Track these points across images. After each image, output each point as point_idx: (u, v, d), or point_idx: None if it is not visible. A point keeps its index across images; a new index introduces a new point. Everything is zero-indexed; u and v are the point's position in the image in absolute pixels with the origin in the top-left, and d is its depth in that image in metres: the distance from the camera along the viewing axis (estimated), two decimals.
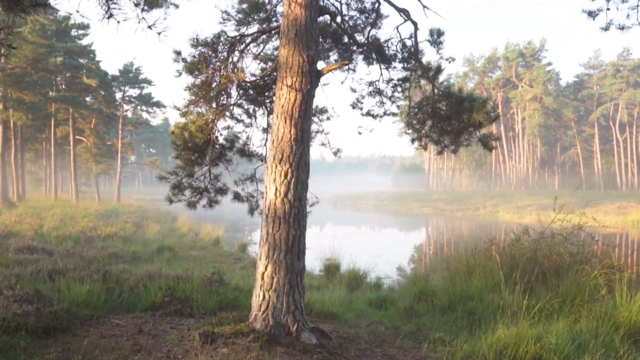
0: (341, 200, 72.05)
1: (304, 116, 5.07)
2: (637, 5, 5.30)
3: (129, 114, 50.07)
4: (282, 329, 4.86)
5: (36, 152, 50.39)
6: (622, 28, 5.40)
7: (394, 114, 8.30)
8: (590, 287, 6.40)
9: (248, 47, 6.51)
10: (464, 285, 7.17)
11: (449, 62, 7.00)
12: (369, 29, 7.56)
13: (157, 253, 13.80)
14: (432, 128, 7.29)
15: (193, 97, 6.30)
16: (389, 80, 7.75)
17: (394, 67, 7.58)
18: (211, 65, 6.22)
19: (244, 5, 7.00)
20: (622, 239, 24.72)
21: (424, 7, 6.58)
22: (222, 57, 6.29)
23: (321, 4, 5.83)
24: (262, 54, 7.34)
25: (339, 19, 7.30)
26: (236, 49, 6.33)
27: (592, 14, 5.46)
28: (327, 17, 7.27)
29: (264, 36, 6.81)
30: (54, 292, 6.12)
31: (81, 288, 6.24)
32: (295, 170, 4.98)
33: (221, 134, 6.73)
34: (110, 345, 4.56)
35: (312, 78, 5.11)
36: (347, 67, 7.89)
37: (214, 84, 6.23)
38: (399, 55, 7.39)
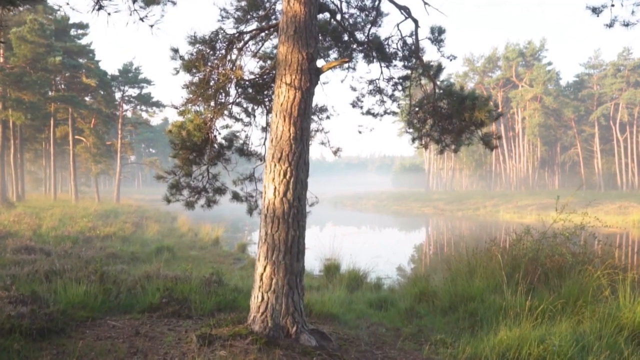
0: (341, 200, 71.97)
1: (304, 114, 4.99)
2: None
3: (129, 114, 49.97)
4: (281, 330, 4.78)
5: (36, 152, 50.29)
6: (626, 25, 5.31)
7: (394, 113, 8.22)
8: (594, 288, 6.32)
9: (247, 45, 6.43)
10: (465, 286, 7.10)
11: (450, 60, 6.93)
12: (369, 26, 7.48)
13: (156, 253, 13.73)
14: (433, 127, 7.21)
15: (191, 96, 6.22)
16: (390, 79, 7.67)
17: (395, 66, 7.50)
18: (209, 63, 6.14)
19: (243, 3, 6.92)
20: (623, 239, 24.65)
21: (425, 3, 6.49)
22: (220, 55, 6.21)
23: (321, 1, 5.75)
24: (261, 52, 7.27)
25: (338, 17, 7.21)
26: (234, 46, 6.25)
27: (596, 11, 5.37)
28: (327, 14, 7.19)
29: (263, 34, 6.72)
30: (50, 293, 6.04)
31: (78, 289, 6.16)
32: (294, 169, 4.90)
33: (219, 133, 6.65)
34: (106, 348, 4.48)
35: (311, 76, 5.03)
36: (347, 65, 7.81)
37: (212, 82, 6.15)
38: (400, 54, 7.31)
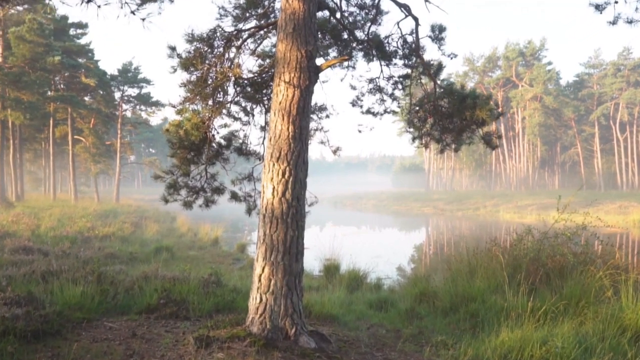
0: (341, 200, 71.92)
1: (303, 113, 4.92)
2: None
3: (128, 114, 49.89)
4: (279, 332, 4.71)
5: (35, 152, 50.21)
6: (630, 22, 5.24)
7: (394, 112, 8.14)
8: (596, 289, 6.26)
9: (245, 43, 6.36)
10: (466, 286, 7.03)
11: (451, 58, 6.86)
12: (369, 25, 7.41)
13: (154, 253, 13.65)
14: (433, 126, 7.15)
15: (188, 94, 6.15)
16: (390, 77, 7.60)
17: (395, 64, 7.43)
18: (207, 61, 6.07)
19: (242, 1, 6.84)
20: (624, 239, 24.59)
21: (426, 0, 6.42)
22: (218, 53, 6.14)
23: None
24: (260, 50, 7.20)
25: (338, 15, 7.14)
26: (232, 44, 6.18)
27: (599, 8, 5.30)
28: (327, 13, 7.12)
29: (262, 32, 6.65)
30: (46, 294, 5.96)
31: (74, 290, 6.09)
32: (293, 168, 4.83)
33: (218, 132, 6.58)
34: (102, 350, 4.41)
35: (310, 74, 4.96)
36: (347, 64, 7.74)
37: (209, 81, 6.07)
38: (400, 52, 7.24)
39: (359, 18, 7.59)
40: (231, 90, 6.51)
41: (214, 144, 6.51)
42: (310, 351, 4.52)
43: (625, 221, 32.26)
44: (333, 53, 7.80)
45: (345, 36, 7.43)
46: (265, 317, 4.72)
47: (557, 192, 45.12)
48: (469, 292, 6.79)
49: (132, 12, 5.09)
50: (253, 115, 7.11)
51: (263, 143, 7.08)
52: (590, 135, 66.27)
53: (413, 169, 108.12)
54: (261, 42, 6.85)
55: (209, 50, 6.15)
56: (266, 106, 6.95)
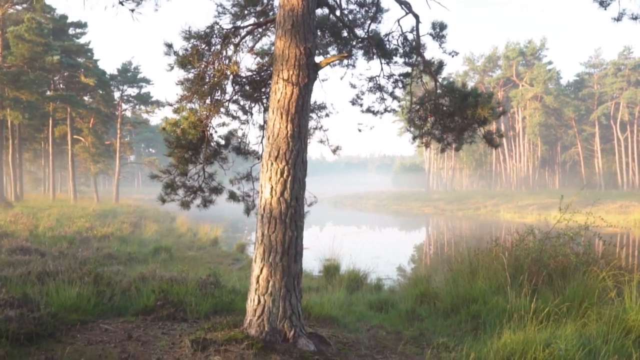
0: (341, 200, 71.82)
1: (301, 111, 4.83)
2: None
3: (128, 114, 49.78)
4: (278, 335, 4.62)
5: (35, 151, 50.11)
6: (635, 18, 5.15)
7: (394, 111, 8.05)
8: (599, 290, 6.17)
9: (244, 41, 6.27)
10: (467, 287, 6.95)
11: (452, 56, 6.77)
12: (369, 22, 7.32)
13: (153, 254, 13.57)
14: (434, 125, 7.05)
15: (186, 92, 6.06)
16: (390, 76, 7.50)
17: (395, 62, 7.33)
18: (204, 59, 5.98)
19: None
20: (624, 238, 24.50)
21: None
22: (215, 51, 6.04)
23: None
24: (258, 48, 7.11)
25: (338, 13, 7.05)
26: (230, 42, 6.09)
27: (603, 4, 5.21)
28: (326, 10, 7.03)
29: (260, 29, 6.56)
30: (41, 296, 5.87)
31: (70, 291, 6.01)
32: (292, 168, 4.75)
33: (216, 131, 6.49)
34: (96, 353, 4.32)
35: (309, 71, 4.87)
36: (346, 62, 7.64)
37: (207, 79, 5.98)
38: (400, 50, 7.15)
39: (358, 16, 7.51)
40: (229, 88, 6.42)
41: (212, 143, 6.42)
42: (309, 354, 4.43)
43: (626, 221, 32.17)
44: (333, 51, 7.71)
45: (345, 34, 7.34)
46: (263, 319, 4.64)
47: (557, 192, 45.04)
48: (470, 293, 6.70)
49: (121, 3, 5.00)
50: (252, 114, 7.03)
51: (262, 142, 6.99)
52: (591, 135, 66.17)
53: (413, 169, 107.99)
54: (259, 40, 6.76)
55: (207, 47, 6.06)
56: (265, 105, 6.86)
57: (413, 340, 5.52)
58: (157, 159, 53.72)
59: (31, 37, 30.35)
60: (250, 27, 6.32)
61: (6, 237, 13.60)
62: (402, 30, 7.00)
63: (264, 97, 6.82)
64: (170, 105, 6.08)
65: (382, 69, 7.45)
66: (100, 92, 40.74)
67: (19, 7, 35.25)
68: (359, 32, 7.44)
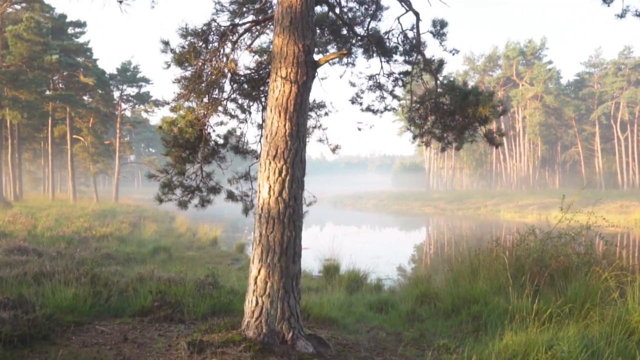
0: (341, 199, 71.73)
1: (300, 110, 4.75)
2: None
3: (128, 113, 49.68)
4: (276, 337, 4.55)
5: (34, 151, 50.02)
6: (639, 15, 5.08)
7: (394, 110, 7.97)
8: (601, 290, 6.09)
9: (242, 38, 6.19)
10: (468, 288, 6.88)
11: (453, 54, 6.70)
12: (368, 20, 7.25)
13: (152, 254, 13.49)
14: (434, 124, 6.98)
15: (183, 91, 5.98)
16: (390, 74, 7.43)
17: (395, 60, 7.26)
18: (201, 57, 5.90)
19: None
20: (626, 238, 24.43)
21: None
22: (212, 48, 5.97)
23: None
24: (257, 46, 7.03)
25: (337, 10, 6.98)
26: (228, 39, 6.01)
27: (607, 0, 5.14)
28: (325, 8, 6.96)
29: (258, 27, 6.48)
30: (37, 297, 5.80)
31: (66, 292, 5.94)
32: (290, 167, 4.67)
33: (214, 130, 6.41)
34: (91, 355, 4.25)
35: (308, 69, 4.79)
36: (346, 60, 7.57)
37: (204, 77, 5.90)
38: (400, 48, 7.07)
39: (358, 13, 7.43)
40: (227, 87, 6.35)
41: (210, 142, 6.34)
42: (308, 356, 4.36)
43: (626, 220, 32.09)
44: (332, 49, 7.63)
45: (345, 32, 7.27)
46: (261, 321, 4.56)
47: (557, 192, 44.96)
48: (471, 294, 6.63)
49: None
50: (250, 113, 6.95)
51: (260, 141, 6.91)
52: (591, 135, 66.09)
53: (413, 169, 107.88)
54: (257, 36, 6.67)
55: (204, 45, 5.99)
56: (263, 103, 6.78)
57: (413, 341, 5.44)
58: (156, 159, 53.63)
59: (30, 37, 30.26)
60: (248, 25, 6.24)
61: (4, 237, 13.52)
62: (402, 28, 6.94)
63: (262, 95, 6.74)
64: (167, 103, 6.01)
65: (382, 67, 7.38)
66: (100, 91, 40.63)
67: (17, 7, 35.16)
68: (359, 30, 7.37)
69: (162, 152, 6.22)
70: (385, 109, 7.73)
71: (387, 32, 7.13)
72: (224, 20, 6.41)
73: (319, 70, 5.13)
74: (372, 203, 64.64)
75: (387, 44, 7.13)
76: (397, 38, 7.06)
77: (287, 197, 4.65)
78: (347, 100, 7.93)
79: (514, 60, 67.62)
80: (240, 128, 6.87)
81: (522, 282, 6.48)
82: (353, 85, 7.85)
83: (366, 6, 7.43)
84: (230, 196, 6.74)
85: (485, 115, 5.95)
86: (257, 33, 6.61)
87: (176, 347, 4.52)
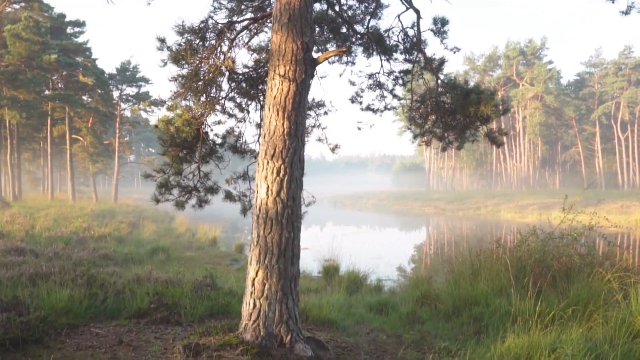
0: (341, 200, 71.64)
1: (299, 108, 4.66)
2: None
3: (127, 113, 49.57)
4: (274, 340, 4.46)
5: (34, 151, 49.92)
6: None
7: (395, 109, 7.88)
8: (605, 292, 6.00)
9: (240, 36, 6.10)
10: (470, 289, 6.79)
11: (454, 52, 6.62)
12: (368, 18, 7.16)
13: (150, 255, 13.40)
14: (435, 123, 6.89)
15: (179, 89, 5.90)
16: (390, 73, 7.34)
17: (396, 59, 7.17)
18: (198, 55, 5.81)
19: None
20: (627, 239, 24.34)
21: None
22: (210, 46, 5.88)
23: None
24: (255, 44, 6.95)
25: (337, 8, 6.89)
26: (226, 37, 5.92)
27: None
28: (325, 6, 6.87)
29: (256, 24, 6.39)
30: (32, 299, 5.70)
31: (62, 294, 5.84)
32: (288, 167, 4.58)
33: (212, 130, 6.32)
34: (85, 359, 4.15)
35: (307, 67, 4.70)
36: (346, 59, 7.48)
37: (201, 75, 5.82)
38: (401, 46, 6.99)
39: (358, 11, 7.35)
40: (226, 86, 6.26)
41: (207, 142, 6.25)
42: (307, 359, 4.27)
43: (627, 221, 31.98)
44: (332, 48, 7.54)
45: (345, 30, 7.18)
46: (259, 324, 4.47)
47: (558, 192, 44.88)
48: (472, 295, 6.54)
49: None
50: (248, 112, 6.86)
51: (259, 141, 6.82)
52: (592, 135, 65.99)
53: (413, 169, 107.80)
54: (255, 35, 6.59)
55: (201, 43, 5.90)
56: (262, 102, 6.69)
57: (414, 344, 5.35)
58: (156, 159, 53.51)
59: (29, 36, 30.16)
60: (246, 22, 6.15)
61: (2, 238, 13.42)
62: (402, 27, 6.85)
63: (261, 94, 6.65)
64: (164, 102, 5.92)
65: (382, 66, 7.29)
66: (99, 91, 40.51)
67: (16, 6, 35.08)
68: (359, 28, 7.29)
69: (159, 151, 6.13)
70: (386, 108, 7.64)
71: (387, 31, 7.05)
72: (222, 17, 6.33)
73: (318, 69, 5.05)
74: (372, 203, 64.55)
75: (388, 43, 7.04)
76: (398, 36, 6.98)
77: (286, 198, 4.56)
78: (347, 100, 7.86)
79: (515, 60, 67.54)
80: (238, 127, 6.79)
81: (525, 284, 6.39)
82: (353, 84, 7.77)
83: (366, 4, 7.35)
84: (229, 196, 6.65)
85: (487, 115, 5.86)
86: (255, 31, 6.52)
87: (172, 350, 4.43)
